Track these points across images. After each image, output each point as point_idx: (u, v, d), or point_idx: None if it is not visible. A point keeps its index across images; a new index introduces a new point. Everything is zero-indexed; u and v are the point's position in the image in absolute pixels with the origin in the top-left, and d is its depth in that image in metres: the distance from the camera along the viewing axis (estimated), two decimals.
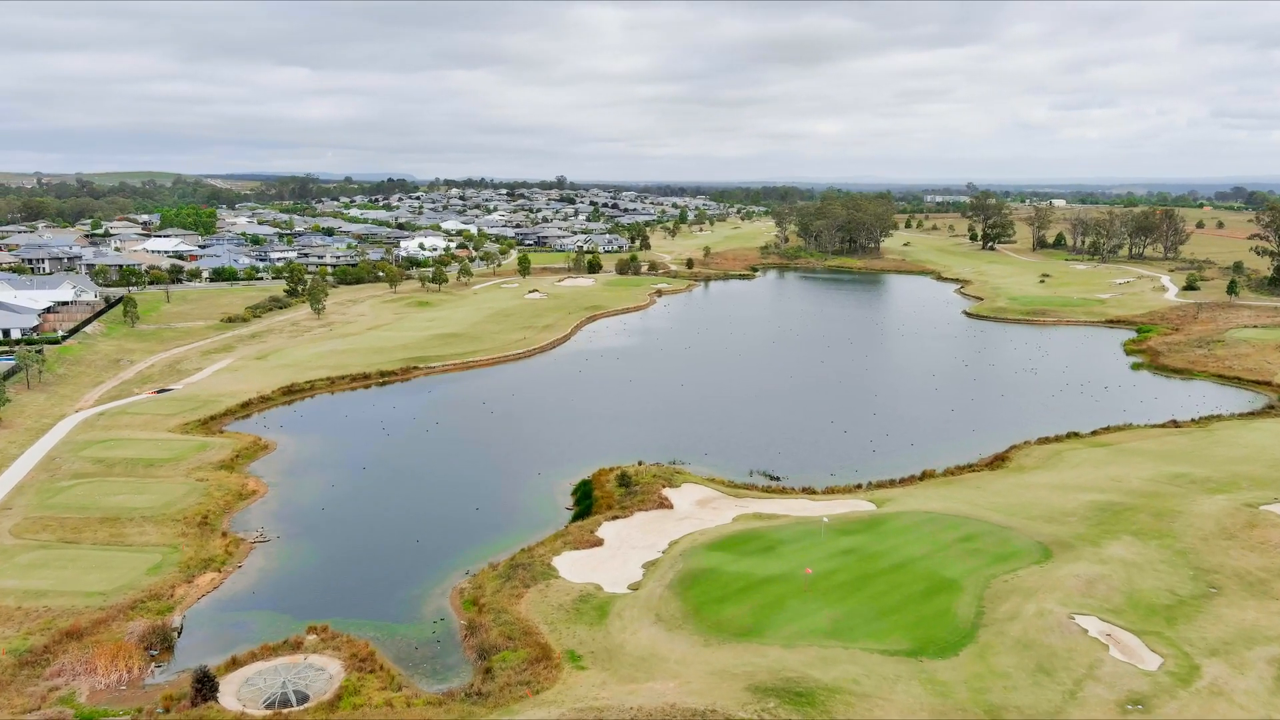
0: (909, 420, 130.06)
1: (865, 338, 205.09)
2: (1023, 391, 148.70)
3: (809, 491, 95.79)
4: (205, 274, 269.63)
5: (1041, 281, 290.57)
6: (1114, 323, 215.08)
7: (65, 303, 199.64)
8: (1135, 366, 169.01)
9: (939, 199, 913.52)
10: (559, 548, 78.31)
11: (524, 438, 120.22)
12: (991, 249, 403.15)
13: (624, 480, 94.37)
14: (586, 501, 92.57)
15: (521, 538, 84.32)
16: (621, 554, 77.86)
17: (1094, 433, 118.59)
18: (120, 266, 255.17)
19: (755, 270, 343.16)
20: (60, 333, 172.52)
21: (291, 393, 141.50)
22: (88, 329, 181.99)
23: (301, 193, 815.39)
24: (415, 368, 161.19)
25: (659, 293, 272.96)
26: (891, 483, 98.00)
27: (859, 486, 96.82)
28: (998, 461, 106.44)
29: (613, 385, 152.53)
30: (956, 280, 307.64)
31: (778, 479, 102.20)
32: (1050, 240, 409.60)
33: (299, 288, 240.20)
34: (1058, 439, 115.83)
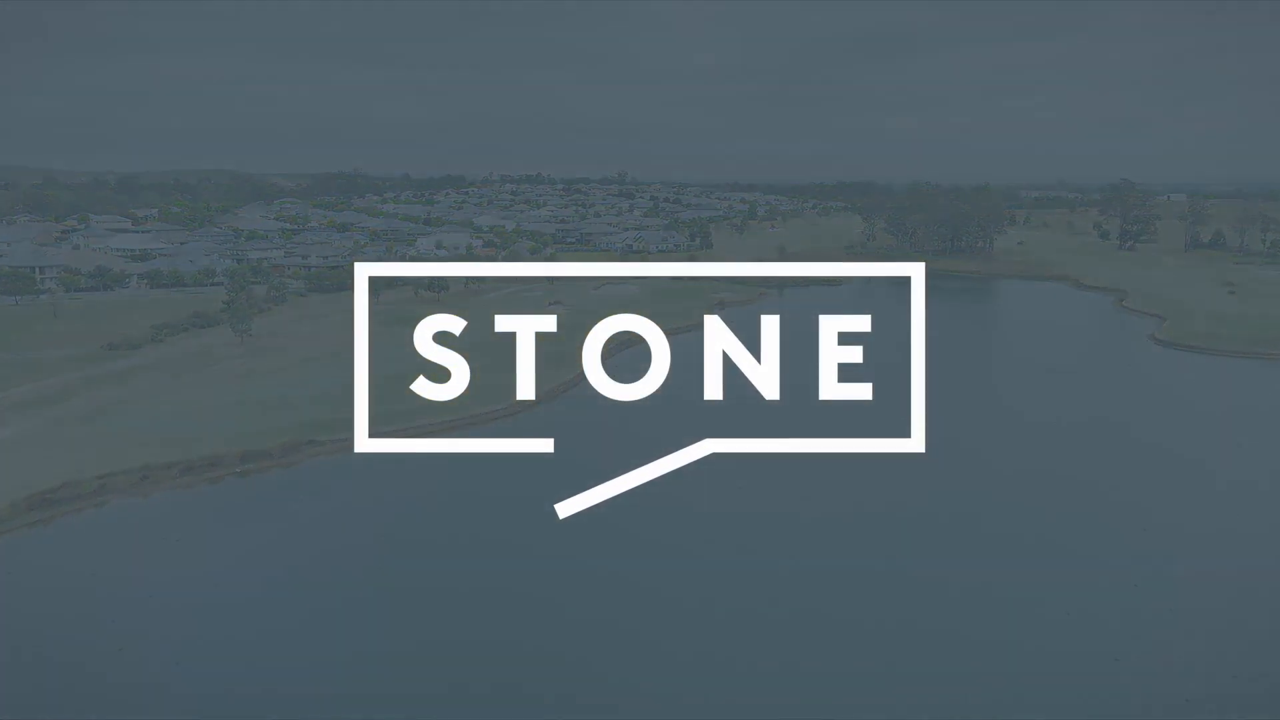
0: (1230, 604, 62.70)
1: (1020, 380, 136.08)
2: None
3: None
4: (136, 279, 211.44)
5: (1231, 293, 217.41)
6: None
7: None
8: None
9: (1035, 194, 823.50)
10: None
11: (417, 685, 56.20)
12: (1130, 249, 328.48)
13: None
14: None
15: None
16: None
17: None
18: (22, 269, 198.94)
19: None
20: None
21: (52, 504, 79.71)
22: None
23: (348, 188, 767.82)
24: (312, 441, 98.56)
25: (721, 303, 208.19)
26: None
27: None
28: None
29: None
30: (1103, 289, 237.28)
31: None
32: (1205, 239, 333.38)
33: (241, 298, 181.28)
34: None
